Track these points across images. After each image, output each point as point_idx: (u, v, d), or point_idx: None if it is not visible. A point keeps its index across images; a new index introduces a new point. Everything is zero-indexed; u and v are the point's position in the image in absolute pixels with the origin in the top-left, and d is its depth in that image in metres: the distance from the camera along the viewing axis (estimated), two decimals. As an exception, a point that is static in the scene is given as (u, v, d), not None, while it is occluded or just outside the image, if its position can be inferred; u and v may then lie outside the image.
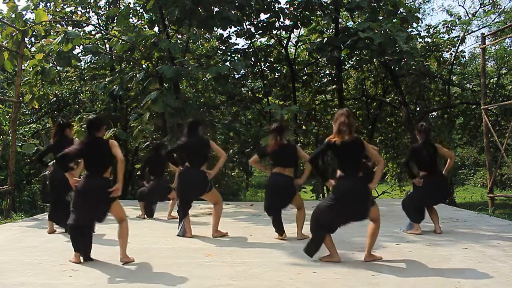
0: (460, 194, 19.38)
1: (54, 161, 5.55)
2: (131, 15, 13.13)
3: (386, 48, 9.23)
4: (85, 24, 13.82)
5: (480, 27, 18.00)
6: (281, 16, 11.27)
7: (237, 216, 7.28)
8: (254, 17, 11.48)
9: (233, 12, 9.68)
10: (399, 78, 13.33)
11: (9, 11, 8.78)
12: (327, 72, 14.36)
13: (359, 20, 12.16)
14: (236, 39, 17.76)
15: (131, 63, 12.12)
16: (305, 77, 14.16)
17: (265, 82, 13.62)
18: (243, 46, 13.17)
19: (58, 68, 13.17)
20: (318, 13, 11.63)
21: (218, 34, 12.95)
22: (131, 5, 13.59)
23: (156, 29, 12.13)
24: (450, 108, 15.02)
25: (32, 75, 9.13)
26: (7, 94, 14.03)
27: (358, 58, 13.34)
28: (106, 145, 3.94)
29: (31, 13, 9.69)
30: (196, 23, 9.89)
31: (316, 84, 14.48)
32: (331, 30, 13.36)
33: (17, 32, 8.29)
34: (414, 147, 5.41)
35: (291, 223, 5.30)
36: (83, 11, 14.24)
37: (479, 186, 22.05)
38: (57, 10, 13.77)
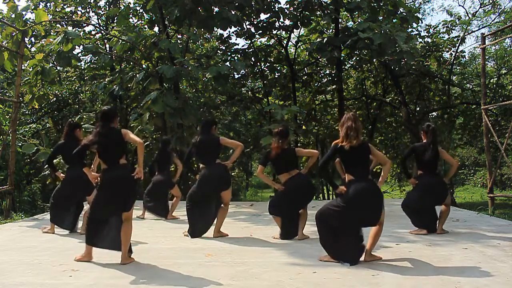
0: (460, 194, 19.39)
1: (69, 163, 5.55)
2: (131, 15, 13.14)
3: (386, 48, 9.23)
4: (85, 24, 13.82)
5: (480, 27, 18.02)
6: (281, 16, 11.28)
7: (237, 216, 7.29)
8: (254, 17, 11.49)
9: (233, 12, 9.68)
10: (399, 78, 13.33)
11: (9, 11, 8.78)
12: (327, 72, 14.37)
13: (359, 20, 12.16)
14: (236, 39, 17.80)
15: (131, 63, 12.12)
16: (305, 77, 14.17)
17: (265, 82, 13.63)
18: (243, 46, 13.20)
19: (58, 68, 13.17)
20: (318, 13, 11.64)
21: (218, 34, 12.95)
22: (131, 5, 13.60)
23: (156, 29, 12.14)
24: (450, 108, 15.02)
25: (32, 75, 9.14)
26: (7, 94, 14.03)
27: (358, 58, 13.34)
28: (119, 134, 3.96)
29: (31, 13, 9.69)
30: (196, 23, 9.90)
31: (316, 84, 14.49)
32: (331, 30, 13.36)
33: (17, 32, 8.29)
34: (415, 146, 5.39)
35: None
36: (83, 11, 14.24)
37: (479, 186, 22.05)
38: (57, 10, 13.78)
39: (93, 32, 14.63)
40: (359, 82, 15.78)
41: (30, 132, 12.70)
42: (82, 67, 14.22)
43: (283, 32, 13.42)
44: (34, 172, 12.51)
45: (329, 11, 10.93)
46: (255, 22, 11.74)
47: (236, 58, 12.37)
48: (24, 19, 8.73)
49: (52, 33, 11.30)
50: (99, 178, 4.07)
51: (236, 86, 13.36)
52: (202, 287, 3.33)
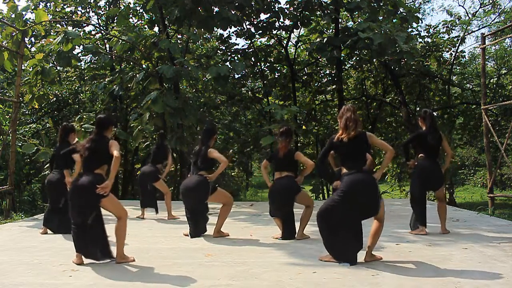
0: (460, 194, 19.38)
1: (56, 166, 5.58)
2: (131, 15, 13.14)
3: (386, 48, 9.23)
4: (85, 24, 13.82)
5: (480, 27, 18.03)
6: (281, 16, 11.28)
7: (237, 216, 7.28)
8: (254, 17, 11.49)
9: (233, 12, 9.68)
10: (399, 78, 13.33)
11: (9, 11, 8.78)
12: (327, 72, 14.37)
13: (359, 20, 12.16)
14: (236, 39, 17.77)
15: (131, 63, 12.12)
16: (305, 77, 14.17)
17: (265, 82, 13.63)
18: (243, 46, 13.19)
19: (58, 68, 13.17)
20: (318, 13, 11.65)
21: (218, 34, 12.95)
22: (131, 5, 13.60)
23: (156, 29, 12.14)
24: (450, 108, 15.01)
25: (32, 75, 9.14)
26: (7, 94, 14.03)
27: (358, 58, 13.34)
28: (106, 143, 3.93)
29: (31, 13, 9.69)
30: (196, 23, 9.90)
31: (316, 84, 14.49)
32: (331, 30, 13.36)
33: (17, 32, 8.28)
34: (420, 132, 5.34)
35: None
36: (83, 11, 14.24)
37: (479, 186, 22.03)
38: (57, 10, 13.77)
39: (93, 32, 14.65)
40: (359, 82, 15.78)
41: (30, 132, 12.71)
42: (82, 67, 14.22)
43: (283, 32, 13.42)
44: (34, 172, 12.51)
45: (329, 11, 10.93)
46: (255, 22, 11.74)
47: (236, 58, 12.37)
48: (24, 19, 8.73)
49: (52, 33, 11.30)
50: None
51: (236, 86, 13.36)
52: (202, 287, 3.33)
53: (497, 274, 3.55)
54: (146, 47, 10.23)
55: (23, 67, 9.35)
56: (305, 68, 14.52)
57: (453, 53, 14.98)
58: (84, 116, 9.42)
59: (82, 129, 8.25)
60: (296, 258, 4.20)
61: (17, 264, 3.99)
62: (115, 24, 12.61)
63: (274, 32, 12.40)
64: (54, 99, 14.60)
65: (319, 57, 12.61)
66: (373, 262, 3.95)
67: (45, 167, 9.80)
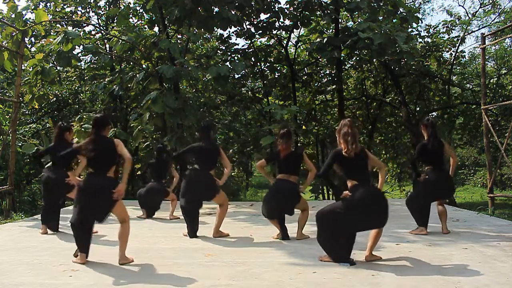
0: (460, 194, 19.38)
1: (50, 163, 5.58)
2: (131, 15, 13.13)
3: (386, 48, 9.22)
4: (85, 24, 13.82)
5: (480, 27, 18.03)
6: (281, 16, 11.26)
7: (237, 216, 7.28)
8: (254, 17, 11.47)
9: (233, 12, 9.67)
10: (399, 78, 13.33)
11: (9, 11, 8.77)
12: (327, 72, 14.36)
13: (359, 20, 12.15)
14: (236, 39, 17.77)
15: (131, 63, 12.12)
16: (305, 77, 14.16)
17: (265, 82, 13.62)
18: (243, 46, 13.18)
19: (58, 68, 13.16)
20: (318, 13, 11.63)
21: (218, 34, 12.94)
22: (131, 5, 13.59)
23: (156, 29, 12.13)
24: (450, 108, 15.01)
25: (32, 75, 9.13)
26: (7, 94, 14.03)
27: (358, 58, 13.33)
28: (111, 143, 3.93)
29: (31, 13, 9.68)
30: (196, 23, 9.89)
31: (316, 84, 14.48)
32: (331, 30, 13.35)
33: (17, 32, 8.28)
34: (424, 144, 5.30)
35: (292, 222, 5.29)
36: (83, 11, 14.23)
37: (479, 186, 22.05)
38: (57, 10, 13.77)
39: (93, 32, 14.64)
40: (359, 82, 15.77)
41: (30, 132, 12.70)
42: (82, 67, 14.21)
43: (283, 32, 13.41)
44: (34, 172, 12.50)
45: (329, 11, 10.92)
46: (255, 22, 11.73)
47: (236, 58, 12.36)
48: (24, 19, 8.72)
49: (52, 33, 11.31)
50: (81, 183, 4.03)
51: (236, 86, 13.35)
52: (202, 287, 3.33)
53: (497, 274, 3.56)
54: (146, 47, 10.22)
55: (23, 67, 9.35)
56: (305, 68, 14.51)
57: (453, 53, 14.98)
58: (84, 116, 9.41)
59: (82, 129, 8.25)
60: (296, 258, 4.20)
61: (17, 264, 3.99)
62: (115, 24, 12.60)
63: (274, 32, 12.39)
64: (54, 99, 14.60)
65: (319, 57, 12.59)
66: (373, 262, 3.95)
67: (45, 167, 9.79)
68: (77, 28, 13.41)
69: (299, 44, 13.97)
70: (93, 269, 3.80)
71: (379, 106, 15.63)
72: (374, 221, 3.90)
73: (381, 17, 10.45)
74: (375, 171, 4.57)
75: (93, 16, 14.68)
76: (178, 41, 11.93)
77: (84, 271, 3.75)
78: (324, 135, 15.98)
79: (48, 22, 11.26)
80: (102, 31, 13.40)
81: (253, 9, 10.79)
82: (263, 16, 11.70)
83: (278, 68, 13.82)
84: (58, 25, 12.37)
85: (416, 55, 11.21)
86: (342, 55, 11.79)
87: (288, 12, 11.40)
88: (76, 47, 9.45)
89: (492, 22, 17.68)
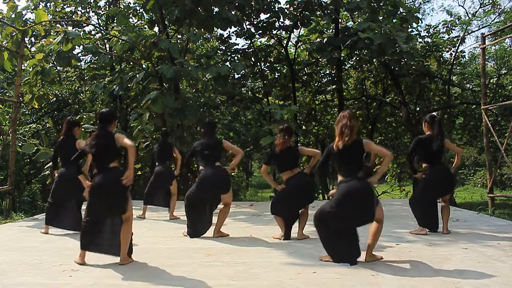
0: (460, 194, 19.38)
1: (63, 160, 5.56)
2: (131, 15, 13.12)
3: (386, 48, 9.23)
4: (85, 24, 13.82)
5: (480, 27, 18.01)
6: (281, 16, 11.27)
7: (237, 216, 7.28)
8: (254, 17, 11.48)
9: (233, 12, 9.68)
10: (399, 78, 13.33)
11: (9, 11, 8.78)
12: (327, 72, 14.37)
13: (359, 20, 12.16)
14: (236, 39, 17.78)
15: (131, 63, 12.12)
16: (305, 77, 14.17)
17: (265, 82, 13.62)
18: (243, 46, 13.18)
19: (58, 68, 13.16)
20: (318, 13, 11.64)
21: (218, 34, 12.95)
22: (131, 5, 13.58)
23: (156, 29, 12.13)
24: (450, 108, 15.02)
25: (32, 75, 9.14)
26: (7, 94, 14.03)
27: (358, 58, 13.34)
28: (112, 138, 3.93)
29: (31, 13, 9.69)
30: (196, 23, 9.89)
31: (316, 84, 14.49)
32: (331, 30, 13.36)
33: (17, 32, 8.28)
34: (420, 138, 5.26)
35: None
36: (83, 11, 14.23)
37: (479, 186, 22.05)
38: (57, 10, 13.76)
39: (93, 32, 14.63)
40: (359, 82, 15.78)
41: (30, 132, 12.71)
42: (82, 67, 14.21)
43: (283, 32, 13.41)
44: (34, 172, 12.51)
45: (329, 11, 10.93)
46: (255, 22, 11.74)
47: (236, 58, 12.36)
48: (24, 19, 8.74)
49: (52, 33, 11.30)
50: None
51: (236, 86, 13.35)
52: (202, 287, 3.33)
53: (497, 274, 3.55)
54: (146, 47, 10.22)
55: (23, 67, 9.35)
56: (305, 68, 14.52)
57: (453, 53, 14.99)
58: (84, 116, 9.43)
59: (82, 129, 8.24)
60: (296, 258, 4.20)
61: (17, 264, 3.99)
62: (115, 24, 12.60)
63: (274, 32, 12.40)
64: (54, 99, 14.59)
65: (319, 57, 12.60)
66: (373, 262, 3.95)
67: (45, 167, 9.79)
68: (77, 28, 13.41)
69: (299, 44, 13.97)
70: (93, 269, 3.80)
71: (379, 106, 15.63)
72: (361, 216, 3.84)
73: (381, 17, 10.46)
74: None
75: (93, 16, 14.69)
76: (178, 41, 11.93)
77: (84, 271, 3.75)
78: (324, 135, 15.99)
79: (48, 22, 11.26)
80: (102, 31, 13.40)
81: (253, 9, 10.79)
82: (263, 16, 11.72)
83: (278, 68, 13.82)
84: (58, 25, 12.36)
85: (416, 55, 11.21)
86: (342, 55, 11.80)
87: (288, 12, 11.40)
88: (76, 47, 9.48)
89: (492, 22, 17.68)
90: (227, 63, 11.46)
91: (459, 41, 14.75)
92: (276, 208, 5.11)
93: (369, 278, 3.50)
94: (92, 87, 12.63)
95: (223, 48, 13.07)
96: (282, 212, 5.08)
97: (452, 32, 15.12)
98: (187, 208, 5.29)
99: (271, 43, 14.02)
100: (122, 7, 12.63)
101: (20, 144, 9.88)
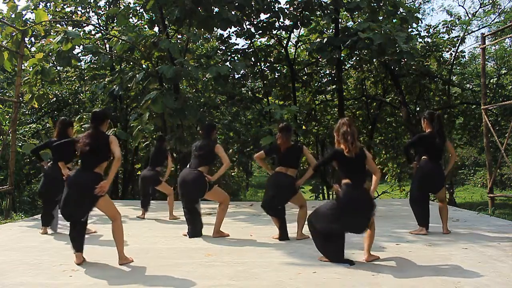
0: (460, 194, 19.39)
1: (55, 161, 5.56)
2: (131, 15, 13.13)
3: (386, 48, 9.22)
4: (85, 24, 13.82)
5: (480, 27, 18.02)
6: (281, 16, 11.26)
7: (237, 216, 7.28)
8: (254, 17, 11.48)
9: (233, 12, 9.67)
10: (399, 78, 13.33)
11: (9, 11, 8.77)
12: (327, 72, 14.36)
13: (359, 20, 12.15)
14: (236, 39, 17.78)
15: (131, 63, 12.12)
16: (305, 77, 14.16)
17: (265, 82, 13.62)
18: (243, 46, 13.18)
19: (58, 68, 13.16)
20: (318, 13, 11.63)
21: (218, 34, 12.95)
22: (131, 5, 13.59)
23: (156, 29, 12.13)
24: (450, 108, 15.01)
25: (32, 75, 9.14)
26: (7, 94, 14.03)
27: (358, 58, 13.34)
28: (106, 139, 3.88)
29: (31, 13, 9.69)
30: (196, 23, 9.89)
31: (316, 84, 14.49)
32: (331, 30, 13.36)
33: (17, 32, 8.28)
34: (421, 135, 5.26)
35: (291, 222, 5.29)
36: (83, 11, 14.24)
37: (479, 186, 22.05)
38: (57, 10, 13.77)
39: (93, 32, 14.64)
40: (359, 82, 15.77)
41: (30, 132, 12.70)
42: (82, 67, 14.21)
43: (283, 32, 13.41)
44: (34, 172, 12.50)
45: (329, 11, 10.93)
46: (255, 22, 11.73)
47: (236, 58, 12.36)
48: (24, 19, 8.74)
49: (52, 33, 11.31)
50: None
51: (236, 86, 13.35)
52: (202, 287, 3.33)
53: (497, 274, 3.56)
54: (146, 47, 10.22)
55: (23, 67, 9.35)
56: (305, 68, 14.51)
57: (453, 53, 14.99)
58: (84, 116, 9.42)
59: (82, 129, 8.25)
60: (296, 258, 4.20)
61: (17, 264, 3.99)
62: (115, 24, 12.61)
63: (274, 32, 12.39)
64: (54, 99, 14.60)
65: (319, 57, 12.60)
66: (373, 262, 3.96)
67: (45, 167, 9.79)
68: (77, 28, 13.42)
69: (299, 44, 13.97)
70: (93, 269, 3.80)
71: (379, 106, 15.63)
72: (356, 225, 3.87)
73: (381, 17, 10.45)
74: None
75: (93, 16, 14.70)
76: (178, 41, 11.94)
77: (84, 271, 3.75)
78: (324, 135, 15.98)
79: (48, 22, 11.26)
80: (102, 31, 13.40)
81: (253, 9, 10.78)
82: (263, 16, 11.72)
83: (278, 68, 13.82)
84: (58, 25, 12.36)
85: (416, 55, 11.21)
86: (342, 55, 11.79)
87: (288, 12, 11.40)
88: (76, 47, 9.47)
89: (492, 22, 17.69)
90: (227, 63, 11.46)
91: (459, 41, 14.75)
92: (263, 203, 5.14)
93: (369, 278, 3.50)
94: (92, 87, 12.63)
95: (223, 48, 13.07)
96: (268, 207, 5.09)
97: (452, 32, 15.15)
98: (184, 209, 5.34)
99: (271, 43, 14.02)
100: (122, 7, 12.63)
101: (20, 144, 9.88)
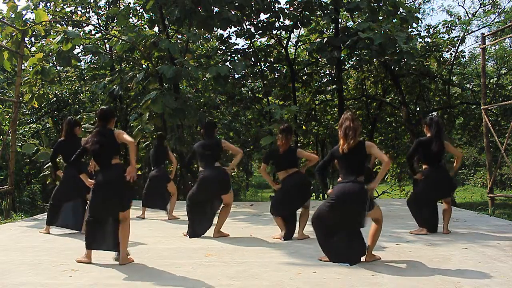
0: (460, 194, 19.37)
1: (66, 162, 5.57)
2: (131, 15, 13.12)
3: (386, 48, 9.22)
4: (85, 24, 13.82)
5: (480, 27, 17.99)
6: (281, 16, 11.26)
7: (237, 216, 7.28)
8: (254, 17, 11.47)
9: (233, 12, 9.67)
10: (399, 78, 13.33)
11: (8, 10, 8.77)
12: (327, 72, 14.36)
13: (359, 20, 12.15)
14: (236, 39, 17.77)
15: (131, 63, 12.12)
16: (305, 77, 14.16)
17: (265, 82, 13.62)
18: (243, 46, 13.18)
19: (58, 68, 13.16)
20: (318, 13, 11.63)
21: (218, 34, 12.94)
22: (131, 5, 13.59)
23: (156, 29, 12.13)
24: (450, 108, 15.02)
25: (32, 75, 9.13)
26: (7, 94, 14.03)
27: (358, 58, 13.33)
28: (112, 134, 3.97)
29: (31, 13, 9.68)
30: (196, 23, 9.89)
31: (316, 84, 14.49)
32: (331, 30, 13.35)
33: (17, 32, 8.28)
34: (420, 140, 5.26)
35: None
36: (83, 11, 14.23)
37: (479, 186, 22.03)
38: (57, 10, 13.76)
39: (93, 32, 14.64)
40: (359, 82, 15.77)
41: (30, 132, 12.72)
42: (82, 67, 14.21)
43: (283, 32, 13.41)
44: (34, 172, 12.51)
45: (329, 11, 10.93)
46: (255, 22, 11.73)
47: (236, 58, 12.36)
48: (24, 19, 8.73)
49: (52, 33, 11.30)
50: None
51: (236, 86, 13.35)
52: (202, 287, 3.33)
53: (497, 274, 3.56)
54: (146, 47, 10.22)
55: (23, 67, 9.35)
56: (305, 68, 14.51)
57: (453, 53, 14.98)
58: (84, 116, 9.42)
59: (82, 129, 8.24)
60: (296, 258, 4.20)
61: (18, 264, 3.99)
62: (115, 24, 12.60)
63: (274, 32, 12.39)
64: (54, 99, 14.60)
65: (319, 57, 12.60)
66: (373, 262, 3.95)
67: (45, 167, 9.80)
68: (77, 28, 13.41)
69: (299, 44, 13.96)
70: (93, 269, 3.80)
71: (379, 106, 15.63)
72: (349, 220, 3.86)
73: (381, 17, 10.45)
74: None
75: (93, 16, 14.69)
76: (178, 41, 11.93)
77: (84, 271, 3.75)
78: (324, 135, 15.98)
79: (48, 22, 11.26)
80: (102, 31, 13.40)
81: (253, 9, 10.78)
82: (263, 16, 11.71)
83: (278, 68, 13.82)
84: (58, 25, 12.36)
85: (416, 55, 11.20)
86: (342, 55, 11.79)
87: (288, 12, 11.40)
88: (76, 47, 9.45)
89: (492, 22, 17.66)
90: (227, 63, 11.45)
91: (459, 41, 14.74)
92: (276, 209, 5.11)
93: (369, 278, 3.50)
94: (92, 87, 12.64)
95: (223, 48, 13.07)
96: (281, 212, 5.09)
97: (452, 32, 15.12)
98: (188, 209, 5.30)
99: (271, 43, 14.01)
100: (122, 7, 12.63)
101: (20, 144, 9.88)
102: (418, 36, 13.20)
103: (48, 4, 13.70)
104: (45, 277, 3.59)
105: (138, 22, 14.06)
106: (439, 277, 3.49)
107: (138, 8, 13.47)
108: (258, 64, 13.21)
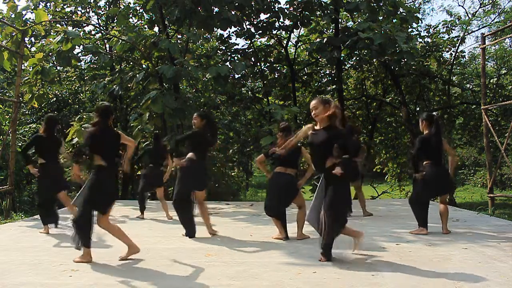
0: (460, 194, 19.35)
1: (42, 157, 5.64)
2: (131, 15, 13.13)
3: (386, 48, 9.22)
4: (85, 24, 13.82)
5: (480, 27, 18.00)
6: (281, 16, 11.27)
7: (237, 216, 7.28)
8: (254, 17, 11.48)
9: (233, 12, 9.67)
10: (399, 78, 13.33)
11: (8, 10, 8.78)
12: (327, 72, 14.37)
13: (359, 20, 12.15)
14: (236, 39, 17.78)
15: (131, 63, 12.12)
16: (305, 77, 14.17)
17: (265, 82, 13.62)
18: (243, 46, 13.18)
19: (58, 68, 13.17)
20: (318, 13, 11.64)
21: (218, 34, 12.95)
22: (131, 5, 13.60)
23: (156, 29, 12.13)
24: (450, 108, 15.02)
25: (32, 75, 9.14)
26: (7, 94, 14.03)
27: (358, 58, 13.34)
28: (117, 135, 4.07)
29: (31, 13, 9.69)
30: (196, 23, 9.89)
31: (316, 84, 14.49)
32: (331, 30, 13.36)
33: (17, 32, 8.28)
34: (423, 137, 5.27)
35: (291, 222, 5.29)
36: (83, 11, 14.24)
37: (479, 186, 22.01)
38: (57, 10, 13.77)
39: (93, 32, 14.65)
40: (359, 82, 15.78)
41: (30, 132, 12.71)
42: (82, 67, 14.22)
43: (283, 32, 13.42)
44: (34, 172, 12.48)
45: (329, 11, 10.93)
46: (255, 22, 11.74)
47: (236, 58, 12.36)
48: (24, 19, 8.74)
49: (52, 33, 11.31)
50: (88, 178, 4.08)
51: (236, 86, 13.36)
52: (202, 287, 3.33)
53: (497, 274, 3.55)
54: (146, 47, 10.22)
55: (23, 67, 9.36)
56: (305, 68, 14.52)
57: (453, 53, 14.99)
58: (84, 116, 9.42)
59: (82, 129, 8.25)
60: (296, 258, 4.20)
61: (17, 264, 3.99)
62: (115, 24, 12.61)
63: (274, 32, 12.40)
64: (54, 99, 14.61)
65: (319, 57, 12.60)
66: (373, 262, 3.95)
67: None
68: (77, 28, 13.42)
69: (299, 44, 13.97)
70: (93, 269, 3.80)
71: (379, 106, 15.63)
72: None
73: (381, 17, 10.46)
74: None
75: (93, 16, 14.70)
76: (178, 41, 11.94)
77: (84, 271, 3.75)
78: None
79: (48, 22, 11.26)
80: (102, 31, 13.40)
81: (253, 9, 10.79)
82: (263, 16, 11.73)
83: (278, 68, 13.82)
84: (58, 25, 12.36)
85: (416, 55, 11.21)
86: (342, 55, 11.80)
87: (288, 12, 11.40)
88: (76, 47, 9.46)
89: (492, 22, 17.67)
90: (227, 63, 11.46)
91: (459, 41, 14.75)
92: (267, 208, 5.13)
93: (369, 278, 3.50)
94: (92, 87, 12.64)
95: (223, 48, 13.07)
96: (271, 211, 5.09)
97: (452, 32, 15.13)
98: (177, 209, 5.32)
99: (271, 43, 14.02)
100: (122, 7, 12.64)
101: (20, 144, 9.88)
102: (418, 36, 13.21)
103: (48, 4, 13.71)
104: (45, 277, 3.59)
105: (138, 22, 14.07)
106: (439, 277, 3.49)
107: (138, 8, 13.49)
108: (258, 64, 13.21)
